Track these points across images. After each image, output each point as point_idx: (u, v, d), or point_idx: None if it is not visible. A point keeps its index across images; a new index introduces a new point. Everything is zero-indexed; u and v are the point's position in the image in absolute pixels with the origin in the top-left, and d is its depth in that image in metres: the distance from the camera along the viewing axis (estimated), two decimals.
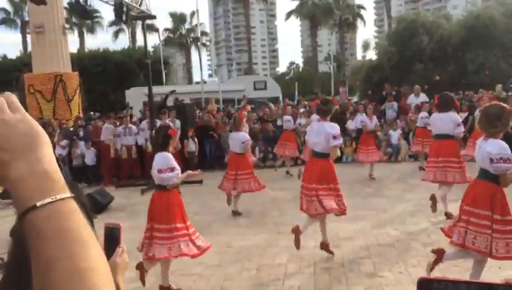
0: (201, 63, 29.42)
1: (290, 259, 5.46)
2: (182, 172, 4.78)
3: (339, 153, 13.09)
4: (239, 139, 7.83)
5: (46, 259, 0.62)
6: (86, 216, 1.38)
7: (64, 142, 12.46)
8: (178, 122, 12.23)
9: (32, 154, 0.67)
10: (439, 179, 6.61)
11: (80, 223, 0.67)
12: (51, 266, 0.62)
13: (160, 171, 4.59)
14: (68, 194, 0.68)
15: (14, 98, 0.71)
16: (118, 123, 12.78)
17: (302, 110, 15.11)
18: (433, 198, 6.46)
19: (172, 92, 15.17)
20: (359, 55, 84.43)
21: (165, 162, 4.60)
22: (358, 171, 11.53)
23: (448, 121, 6.51)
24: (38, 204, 0.64)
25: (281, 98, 22.75)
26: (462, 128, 6.73)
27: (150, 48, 30.28)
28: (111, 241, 1.56)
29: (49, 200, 0.65)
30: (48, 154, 0.69)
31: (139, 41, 41.56)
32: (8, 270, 1.19)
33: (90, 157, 12.41)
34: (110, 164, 12.26)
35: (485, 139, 4.02)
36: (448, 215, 6.27)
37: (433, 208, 6.43)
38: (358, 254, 5.50)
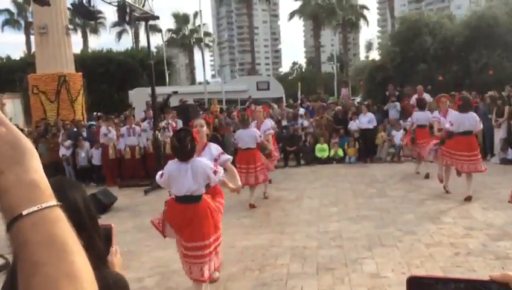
0: (204, 64, 29.47)
1: (293, 259, 5.46)
2: None
3: (341, 154, 13.19)
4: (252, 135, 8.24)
5: (30, 265, 0.64)
6: (90, 212, 1.40)
7: (68, 142, 12.51)
8: (180, 123, 12.27)
9: (19, 166, 0.69)
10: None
11: (66, 231, 0.68)
12: (35, 271, 0.63)
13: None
14: (54, 202, 0.69)
15: None
16: (118, 123, 12.85)
17: (302, 110, 15.13)
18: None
19: (175, 92, 15.18)
20: (362, 56, 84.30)
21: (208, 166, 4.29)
22: (362, 172, 11.53)
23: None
24: (24, 213, 0.66)
25: (284, 99, 22.75)
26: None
27: (153, 49, 30.36)
28: (104, 241, 1.57)
29: (35, 208, 0.66)
30: (34, 165, 0.71)
31: (142, 42, 41.63)
32: (11, 276, 1.20)
33: (97, 158, 12.45)
34: (111, 164, 12.29)
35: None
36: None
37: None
38: (361, 254, 5.49)
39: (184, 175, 4.19)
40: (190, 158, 4.23)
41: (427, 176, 9.97)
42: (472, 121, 7.69)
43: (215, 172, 4.26)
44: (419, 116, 10.05)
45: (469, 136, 7.72)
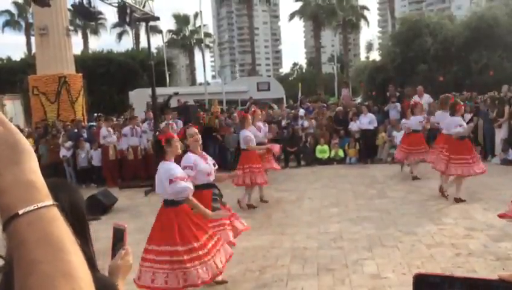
0: (205, 65, 29.35)
1: (294, 260, 5.45)
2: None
3: (342, 154, 13.18)
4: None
5: (26, 264, 0.64)
6: (78, 216, 1.38)
7: (69, 143, 12.51)
8: (180, 123, 12.26)
9: (17, 166, 0.69)
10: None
11: (62, 230, 0.68)
12: (32, 270, 0.63)
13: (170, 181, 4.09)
14: (50, 201, 0.69)
15: None
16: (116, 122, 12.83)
17: (302, 111, 15.11)
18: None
19: (176, 94, 15.19)
20: (363, 56, 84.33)
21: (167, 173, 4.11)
22: (362, 172, 11.52)
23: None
24: (20, 212, 0.66)
25: (284, 99, 22.75)
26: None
27: (153, 50, 30.45)
28: (117, 241, 1.57)
29: (31, 208, 0.67)
30: (32, 166, 0.71)
31: (143, 43, 41.60)
32: (6, 276, 1.20)
33: (97, 159, 12.45)
34: (112, 165, 12.28)
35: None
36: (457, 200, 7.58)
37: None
38: (362, 255, 5.48)
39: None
40: (161, 160, 4.24)
41: (414, 178, 9.97)
42: (448, 124, 7.70)
43: (174, 180, 4.08)
44: (411, 122, 10.07)
45: (452, 138, 7.64)
